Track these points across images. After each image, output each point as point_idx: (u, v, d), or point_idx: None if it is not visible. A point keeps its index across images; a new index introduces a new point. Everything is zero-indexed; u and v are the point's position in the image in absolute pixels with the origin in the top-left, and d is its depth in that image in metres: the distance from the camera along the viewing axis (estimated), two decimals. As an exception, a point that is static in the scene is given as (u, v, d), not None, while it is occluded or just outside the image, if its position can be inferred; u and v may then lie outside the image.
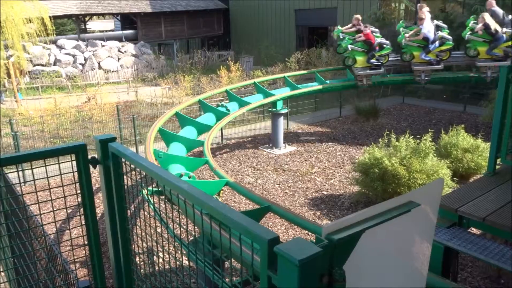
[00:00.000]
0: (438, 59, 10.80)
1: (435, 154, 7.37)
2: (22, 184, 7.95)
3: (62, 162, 2.10)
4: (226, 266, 4.82)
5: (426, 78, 11.15)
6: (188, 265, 5.15)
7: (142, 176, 1.93)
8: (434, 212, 1.49)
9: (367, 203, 7.46)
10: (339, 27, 11.36)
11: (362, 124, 13.02)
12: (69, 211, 7.55)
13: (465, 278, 5.27)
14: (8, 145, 10.80)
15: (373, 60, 10.82)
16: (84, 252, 2.31)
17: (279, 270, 1.11)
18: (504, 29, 10.23)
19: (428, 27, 10.46)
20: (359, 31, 10.89)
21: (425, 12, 10.52)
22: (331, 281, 1.13)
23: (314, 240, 1.18)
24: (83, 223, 2.24)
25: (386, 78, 11.99)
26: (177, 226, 1.83)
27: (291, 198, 8.02)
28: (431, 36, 10.46)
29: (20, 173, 8.57)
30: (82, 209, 2.22)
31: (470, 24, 10.67)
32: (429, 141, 7.24)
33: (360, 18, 11.26)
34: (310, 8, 23.92)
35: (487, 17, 10.22)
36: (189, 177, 6.00)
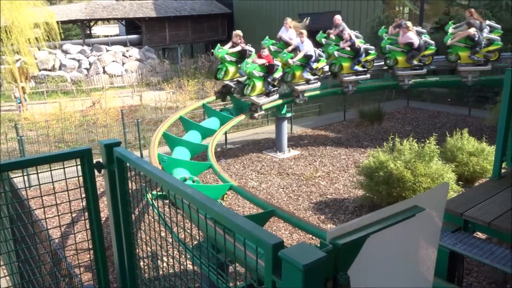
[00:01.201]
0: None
1: (439, 158, 7.34)
2: (27, 188, 7.99)
3: (67, 167, 2.11)
4: (230, 270, 4.82)
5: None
6: (192, 270, 5.15)
7: (146, 180, 1.94)
8: (439, 216, 1.49)
9: (372, 207, 7.43)
10: (220, 46, 9.60)
11: (366, 128, 13.00)
12: (74, 215, 7.57)
13: (471, 283, 5.23)
14: (14, 150, 10.86)
15: (270, 87, 9.47)
16: (88, 256, 2.32)
17: (283, 275, 1.11)
18: (366, 45, 10.66)
19: (308, 45, 9.78)
20: (243, 51, 9.55)
21: (302, 31, 9.86)
22: (335, 286, 1.12)
23: (319, 245, 1.18)
24: (88, 227, 2.24)
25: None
26: (181, 230, 1.83)
27: (295, 202, 8.00)
28: (312, 53, 9.77)
29: (25, 177, 8.61)
30: (86, 213, 2.23)
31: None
32: (433, 144, 7.22)
33: (241, 34, 9.76)
34: (313, 12, 23.97)
35: (352, 33, 10.49)
36: (193, 181, 6.01)
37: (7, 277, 3.35)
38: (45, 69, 22.50)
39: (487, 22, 10.73)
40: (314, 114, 14.93)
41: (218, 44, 9.67)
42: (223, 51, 9.51)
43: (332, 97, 12.04)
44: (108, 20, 31.11)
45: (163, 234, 2.07)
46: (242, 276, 4.04)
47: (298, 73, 10.01)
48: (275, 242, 1.15)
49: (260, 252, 1.22)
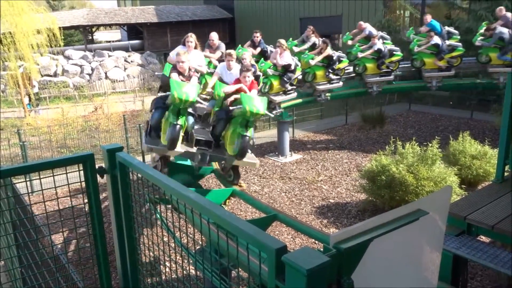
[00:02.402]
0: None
1: (442, 161, 7.32)
2: (30, 194, 8.00)
3: (69, 172, 2.11)
4: (233, 275, 4.80)
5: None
6: (195, 275, 5.13)
7: (149, 185, 1.94)
8: (442, 220, 1.48)
9: (374, 211, 7.41)
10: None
11: (368, 132, 12.98)
12: (76, 220, 7.57)
13: (475, 287, 5.20)
14: (16, 155, 10.88)
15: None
16: (91, 261, 2.32)
17: (287, 279, 1.10)
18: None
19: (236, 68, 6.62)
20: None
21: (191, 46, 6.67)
22: (339, 290, 1.12)
23: (322, 249, 1.17)
24: (90, 232, 2.24)
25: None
26: (183, 235, 1.83)
27: (298, 207, 7.99)
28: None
29: (28, 183, 8.62)
30: (89, 218, 2.23)
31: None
32: (435, 148, 7.20)
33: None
34: (315, 16, 24.03)
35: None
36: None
37: (10, 283, 3.34)
38: (47, 75, 22.60)
39: None
40: (316, 118, 14.92)
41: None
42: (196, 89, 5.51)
43: (333, 100, 12.04)
44: (110, 25, 31.27)
45: (165, 239, 2.07)
46: (245, 281, 4.02)
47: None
48: (278, 246, 1.15)
49: (263, 257, 1.21)
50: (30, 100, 17.97)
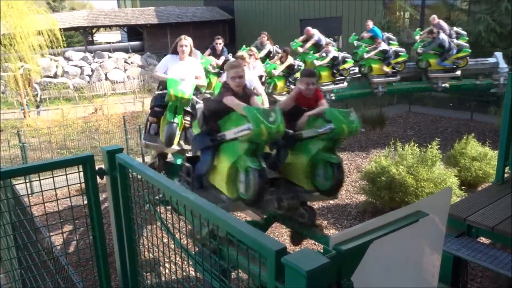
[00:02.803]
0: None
1: (441, 163, 7.32)
2: (30, 195, 7.99)
3: (69, 173, 2.11)
4: (232, 276, 4.80)
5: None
6: (195, 276, 5.13)
7: (148, 186, 1.94)
8: (443, 221, 1.48)
9: (374, 212, 7.40)
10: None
11: (368, 133, 12.97)
12: (76, 222, 7.56)
13: (475, 288, 5.19)
14: (16, 156, 10.88)
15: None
16: (91, 263, 2.32)
17: (286, 281, 1.10)
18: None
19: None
20: None
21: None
22: (339, 292, 1.12)
23: (322, 251, 1.17)
24: (90, 234, 2.24)
25: None
26: (183, 236, 1.83)
27: (298, 208, 7.98)
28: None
29: (28, 184, 8.61)
30: (89, 220, 2.23)
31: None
32: (435, 149, 7.20)
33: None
34: (315, 18, 24.06)
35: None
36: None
37: (10, 284, 3.34)
38: (47, 76, 22.62)
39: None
40: (316, 119, 14.89)
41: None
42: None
43: (334, 102, 12.03)
44: (110, 27, 31.30)
45: (165, 240, 2.07)
46: (245, 283, 4.02)
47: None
48: (278, 248, 1.15)
49: (263, 258, 1.21)
50: (30, 100, 17.98)
